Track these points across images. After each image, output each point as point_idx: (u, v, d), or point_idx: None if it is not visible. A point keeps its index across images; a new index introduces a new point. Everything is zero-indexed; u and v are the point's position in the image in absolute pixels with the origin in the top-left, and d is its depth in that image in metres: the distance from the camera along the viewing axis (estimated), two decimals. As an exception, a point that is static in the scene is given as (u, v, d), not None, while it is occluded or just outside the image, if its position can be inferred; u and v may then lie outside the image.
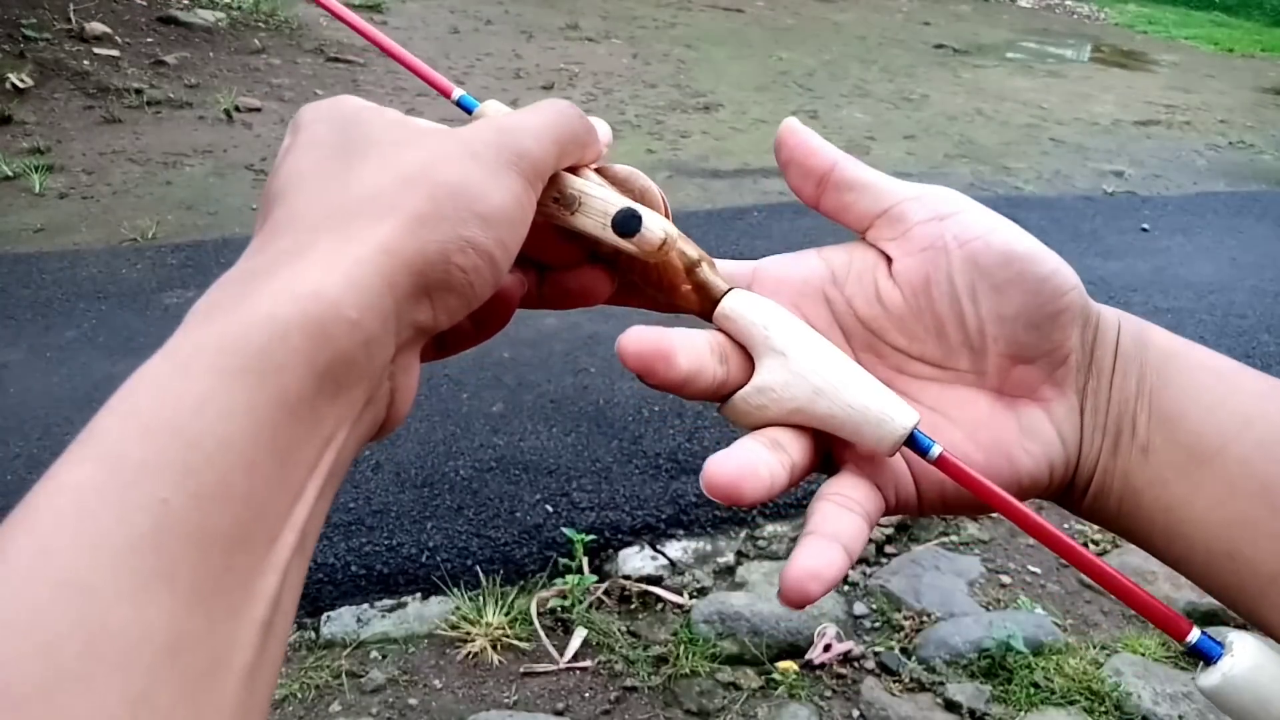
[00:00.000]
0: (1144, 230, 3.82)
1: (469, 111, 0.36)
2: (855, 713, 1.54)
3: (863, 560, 1.88)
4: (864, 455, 0.32)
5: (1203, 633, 0.27)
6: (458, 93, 0.37)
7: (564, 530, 1.82)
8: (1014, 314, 0.31)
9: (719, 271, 0.34)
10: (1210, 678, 0.27)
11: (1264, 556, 0.28)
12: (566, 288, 0.34)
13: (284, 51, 4.97)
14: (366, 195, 0.26)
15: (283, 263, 0.24)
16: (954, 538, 1.96)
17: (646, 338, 0.30)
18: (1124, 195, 4.27)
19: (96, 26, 4.59)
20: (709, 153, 4.14)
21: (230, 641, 0.19)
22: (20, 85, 3.96)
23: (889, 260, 0.33)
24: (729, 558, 1.85)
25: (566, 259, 0.34)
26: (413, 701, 1.51)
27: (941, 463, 0.30)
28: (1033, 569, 1.89)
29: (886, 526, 1.96)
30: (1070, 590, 1.84)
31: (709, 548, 1.87)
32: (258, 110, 4.10)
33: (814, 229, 3.09)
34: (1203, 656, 0.27)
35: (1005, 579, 1.85)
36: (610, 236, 0.31)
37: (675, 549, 1.86)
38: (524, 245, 0.33)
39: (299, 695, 1.50)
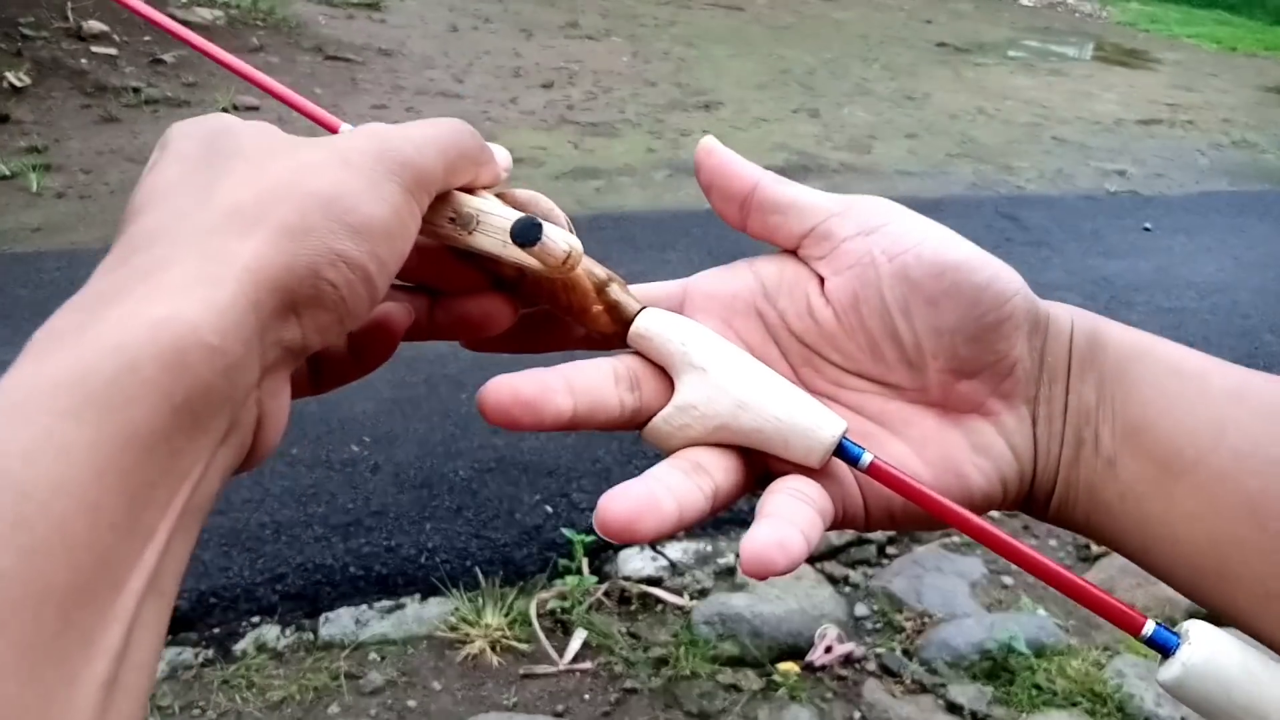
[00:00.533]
0: (1146, 230, 3.81)
1: None
2: (856, 714, 1.54)
3: (864, 561, 1.87)
4: (808, 469, 0.30)
5: (1158, 625, 0.26)
6: (345, 128, 0.34)
7: (564, 531, 1.81)
8: (951, 328, 0.30)
9: (631, 292, 0.32)
10: (1170, 670, 0.26)
11: (1257, 575, 0.27)
12: (462, 314, 0.32)
13: (282, 50, 4.96)
14: (229, 209, 0.24)
15: (134, 284, 0.22)
16: (955, 538, 1.95)
17: (504, 388, 0.28)
18: (1126, 195, 4.26)
19: (94, 25, 4.58)
20: (709, 151, 4.13)
21: (67, 710, 0.18)
22: (18, 84, 3.95)
23: (821, 279, 0.32)
24: (729, 559, 1.84)
25: (462, 284, 0.32)
26: (411, 703, 1.50)
27: (874, 470, 0.29)
28: (1035, 570, 1.89)
29: (888, 527, 1.95)
30: (1073, 591, 1.84)
31: (709, 549, 1.86)
32: (255, 109, 4.08)
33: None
34: (1160, 649, 0.26)
35: (1007, 580, 1.85)
36: (512, 253, 0.29)
37: (676, 550, 1.85)
38: (415, 270, 0.32)
39: (297, 697, 1.49)
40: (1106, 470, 0.30)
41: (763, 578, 0.27)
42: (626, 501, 0.27)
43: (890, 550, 1.91)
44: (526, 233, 0.29)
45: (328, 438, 2.05)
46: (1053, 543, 1.97)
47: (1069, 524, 0.32)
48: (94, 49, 4.42)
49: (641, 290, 0.34)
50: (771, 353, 0.32)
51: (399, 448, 2.04)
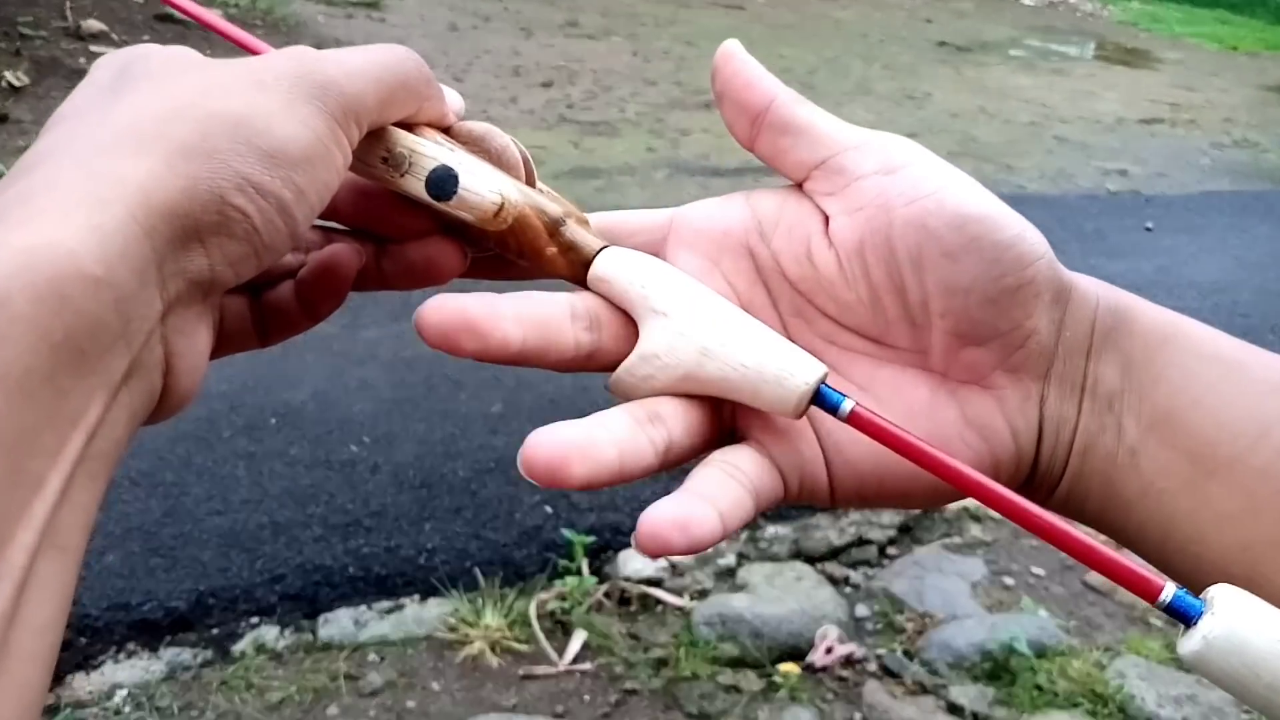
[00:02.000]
0: (1148, 229, 3.80)
1: None
2: (857, 715, 1.53)
3: (865, 562, 1.87)
4: (770, 429, 0.28)
5: (1179, 589, 0.23)
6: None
7: (563, 532, 1.81)
8: (966, 286, 0.27)
9: (591, 229, 0.30)
10: (1190, 643, 0.23)
11: None
12: (409, 261, 0.29)
13: (281, 48, 4.96)
14: (123, 128, 0.22)
15: (11, 208, 0.20)
16: (957, 539, 1.95)
17: (448, 306, 0.25)
18: (1127, 194, 4.26)
19: (93, 24, 4.57)
20: (710, 150, 4.12)
21: None
22: (16, 83, 3.95)
23: (826, 217, 0.29)
24: (730, 559, 1.84)
25: (410, 229, 0.29)
26: (411, 704, 1.50)
27: (854, 419, 0.26)
28: (1036, 571, 1.88)
29: (889, 528, 1.94)
30: (1074, 592, 1.83)
31: (710, 549, 1.86)
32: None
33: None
34: (1181, 617, 0.23)
35: (1008, 581, 1.84)
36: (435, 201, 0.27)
37: (676, 550, 1.85)
38: (356, 213, 0.29)
39: (296, 698, 1.49)
40: (1128, 461, 0.27)
41: (655, 556, 0.24)
42: (556, 442, 0.24)
43: (891, 551, 1.91)
44: (440, 185, 0.26)
45: (326, 438, 2.04)
46: (1049, 548, 1.96)
47: (1078, 516, 0.29)
48: (93, 48, 4.42)
49: (620, 220, 0.31)
50: (759, 298, 0.29)
51: (398, 448, 2.04)
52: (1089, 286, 0.29)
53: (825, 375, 0.27)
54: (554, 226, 0.29)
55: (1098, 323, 0.28)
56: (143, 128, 0.22)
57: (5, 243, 0.19)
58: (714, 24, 7.07)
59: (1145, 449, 0.27)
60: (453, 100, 0.30)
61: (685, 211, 0.31)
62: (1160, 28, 9.46)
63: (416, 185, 0.27)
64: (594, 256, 0.29)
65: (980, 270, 0.27)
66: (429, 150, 0.27)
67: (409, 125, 0.28)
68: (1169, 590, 0.23)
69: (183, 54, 0.25)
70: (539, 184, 0.30)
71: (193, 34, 4.91)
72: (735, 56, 0.31)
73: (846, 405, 0.26)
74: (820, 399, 0.26)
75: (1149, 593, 0.23)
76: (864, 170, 0.28)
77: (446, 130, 0.30)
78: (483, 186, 0.27)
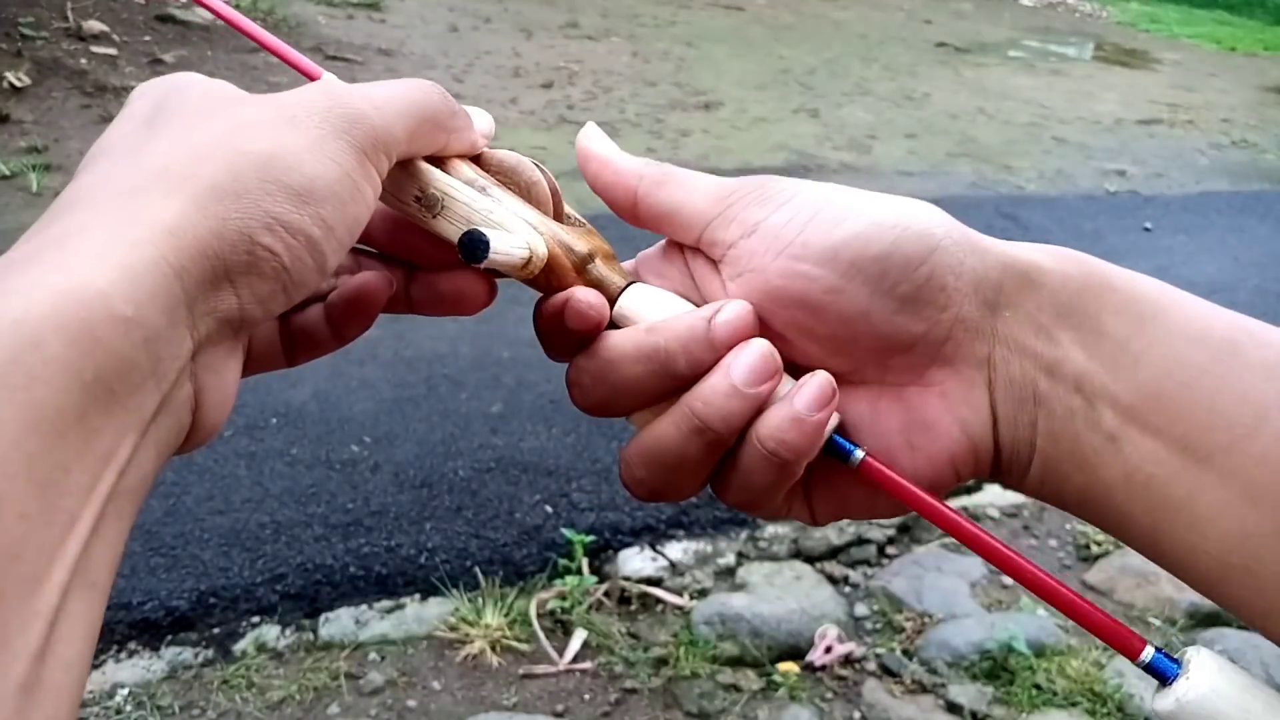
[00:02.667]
0: (1146, 230, 3.81)
1: None
2: (856, 715, 1.54)
3: (864, 561, 1.87)
4: None
5: (1157, 650, 0.25)
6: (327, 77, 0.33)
7: (563, 531, 1.81)
8: (864, 310, 0.27)
9: (618, 266, 0.31)
10: (1164, 701, 0.24)
11: None
12: (438, 291, 0.30)
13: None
14: (155, 169, 0.22)
15: (48, 250, 0.20)
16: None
17: None
18: (1126, 194, 4.26)
19: (94, 25, 4.57)
20: (709, 151, 4.13)
21: None
22: (17, 84, 3.95)
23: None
24: (729, 559, 1.84)
25: (441, 260, 0.30)
26: (411, 703, 1.50)
27: (865, 468, 0.27)
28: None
29: (888, 527, 1.95)
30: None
31: (709, 549, 1.86)
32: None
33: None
34: (1158, 676, 0.25)
35: (1007, 580, 1.84)
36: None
37: (675, 550, 1.85)
38: (391, 240, 0.30)
39: (297, 697, 1.49)
40: (1108, 447, 0.26)
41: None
42: None
43: (890, 550, 1.91)
44: (471, 251, 0.27)
45: (328, 437, 2.05)
46: (1052, 542, 1.97)
47: (1058, 502, 0.28)
48: (94, 49, 4.42)
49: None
50: None
51: (399, 448, 2.04)
52: (1046, 261, 0.27)
53: (839, 424, 0.28)
54: (581, 265, 0.30)
55: (1051, 299, 0.27)
56: (173, 169, 0.22)
57: (40, 284, 0.19)
58: (714, 25, 7.08)
59: (1126, 435, 0.26)
60: (482, 123, 0.30)
61: (643, 262, 0.32)
62: (1159, 29, 9.47)
63: (448, 228, 0.28)
64: (619, 294, 0.30)
65: (869, 290, 0.27)
66: (462, 195, 0.28)
67: (440, 159, 0.29)
68: (1148, 651, 0.25)
69: (217, 90, 0.26)
70: (566, 209, 0.32)
71: (193, 33, 4.91)
72: (591, 158, 0.31)
73: (858, 455, 0.27)
74: (832, 446, 0.28)
75: (1130, 651, 0.25)
76: (731, 238, 0.29)
77: (477, 159, 0.31)
78: (511, 246, 0.28)
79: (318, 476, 1.93)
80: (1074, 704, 1.55)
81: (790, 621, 1.66)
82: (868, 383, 0.29)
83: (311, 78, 0.31)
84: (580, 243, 0.30)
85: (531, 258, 0.28)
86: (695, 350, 0.28)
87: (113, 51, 4.47)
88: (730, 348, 0.27)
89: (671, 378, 0.28)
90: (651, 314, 0.29)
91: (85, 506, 0.19)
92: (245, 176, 0.22)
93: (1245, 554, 0.25)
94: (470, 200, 0.28)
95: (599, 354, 0.29)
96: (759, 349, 0.27)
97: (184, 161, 0.22)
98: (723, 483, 0.29)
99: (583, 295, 0.29)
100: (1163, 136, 5.31)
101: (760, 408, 0.27)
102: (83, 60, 4.30)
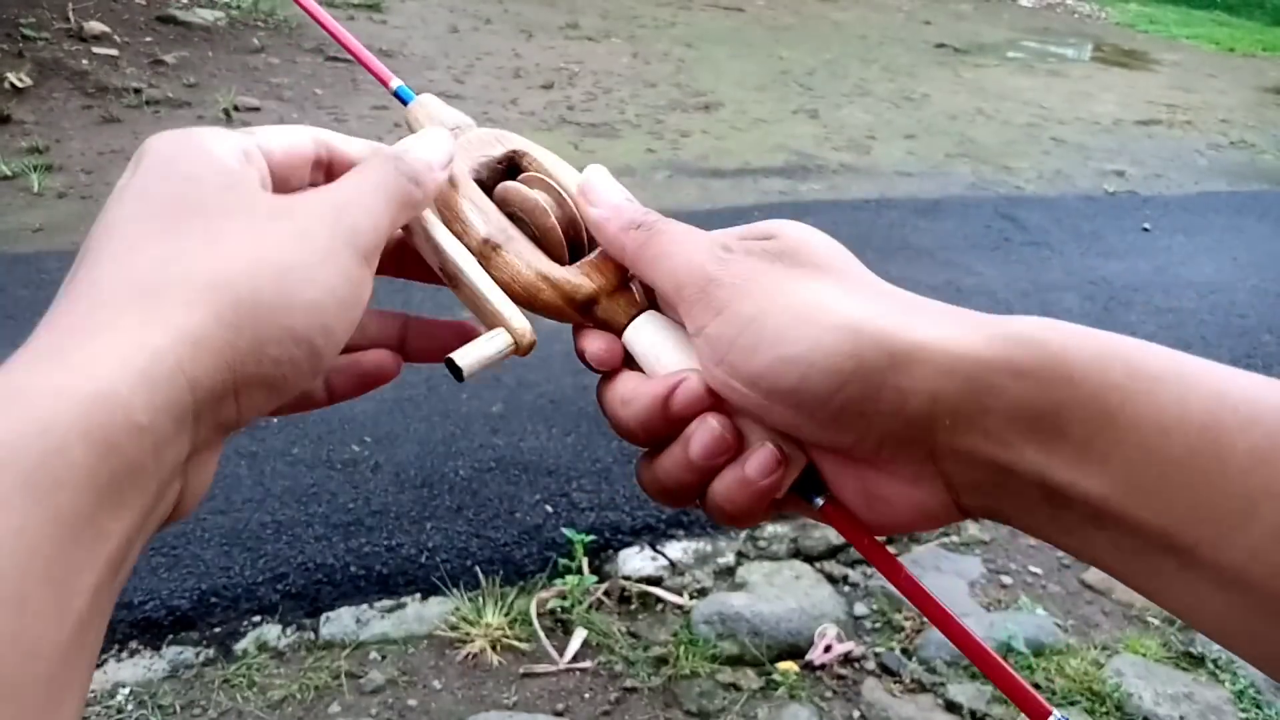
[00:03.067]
0: (1145, 230, 3.81)
1: (405, 102, 0.36)
2: (856, 714, 1.54)
3: (863, 561, 1.87)
4: None
5: (1063, 717, 0.27)
6: (395, 83, 0.36)
7: (564, 531, 1.82)
8: (793, 423, 0.28)
9: (629, 292, 0.33)
10: None
11: None
12: (440, 338, 0.33)
13: (283, 51, 4.96)
14: (180, 274, 0.23)
15: (72, 346, 0.21)
16: (955, 538, 1.95)
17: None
18: (1125, 195, 4.27)
19: (95, 26, 4.58)
20: (709, 152, 4.13)
21: None
22: (19, 85, 3.95)
23: None
24: (729, 558, 1.84)
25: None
26: (412, 702, 1.50)
27: (826, 511, 0.31)
28: (1034, 570, 1.89)
29: (887, 527, 1.95)
30: (1071, 591, 1.84)
31: (709, 548, 1.87)
32: (257, 109, 4.09)
33: (818, 227, 3.08)
34: None
35: (1006, 580, 1.85)
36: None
37: (675, 549, 1.86)
38: (402, 274, 0.33)
39: (298, 696, 1.49)
40: (1083, 535, 0.25)
41: None
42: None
43: (889, 550, 1.92)
44: (454, 374, 0.30)
45: (328, 437, 2.05)
46: (1048, 546, 1.97)
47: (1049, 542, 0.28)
48: (95, 50, 4.43)
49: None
50: None
51: (399, 447, 2.05)
52: (995, 362, 0.25)
53: (806, 465, 0.30)
54: (587, 306, 0.32)
55: (1003, 409, 0.25)
56: (195, 277, 0.23)
57: (66, 389, 0.20)
58: (713, 26, 7.08)
59: (1101, 527, 0.25)
60: (436, 155, 0.32)
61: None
62: (1158, 29, 9.48)
63: (467, 292, 0.31)
64: (626, 325, 0.32)
65: (793, 412, 0.28)
66: (468, 276, 0.31)
67: (452, 200, 0.32)
68: (1055, 717, 0.26)
69: (233, 182, 0.26)
70: (586, 231, 0.34)
71: (194, 34, 4.92)
72: (590, 216, 0.33)
73: (818, 501, 0.30)
74: (798, 485, 0.30)
75: (1038, 715, 0.27)
76: (698, 324, 0.30)
77: (507, 171, 0.34)
78: (492, 350, 0.30)
79: (319, 476, 1.94)
80: (1073, 703, 1.56)
81: (790, 621, 1.67)
82: (826, 449, 0.30)
83: (384, 83, 0.35)
84: (587, 282, 0.32)
85: (518, 346, 0.31)
86: (655, 426, 0.30)
87: (114, 52, 4.47)
88: (687, 421, 0.30)
89: (647, 437, 0.31)
90: (646, 356, 0.32)
91: (89, 603, 0.20)
92: (265, 290, 0.24)
93: (1242, 633, 0.24)
94: (474, 283, 0.31)
95: (603, 399, 0.32)
96: (712, 431, 0.29)
97: (207, 271, 0.24)
98: (705, 507, 0.31)
99: (591, 346, 0.32)
100: (1161, 137, 5.32)
101: (717, 470, 0.30)
102: (84, 61, 4.31)
